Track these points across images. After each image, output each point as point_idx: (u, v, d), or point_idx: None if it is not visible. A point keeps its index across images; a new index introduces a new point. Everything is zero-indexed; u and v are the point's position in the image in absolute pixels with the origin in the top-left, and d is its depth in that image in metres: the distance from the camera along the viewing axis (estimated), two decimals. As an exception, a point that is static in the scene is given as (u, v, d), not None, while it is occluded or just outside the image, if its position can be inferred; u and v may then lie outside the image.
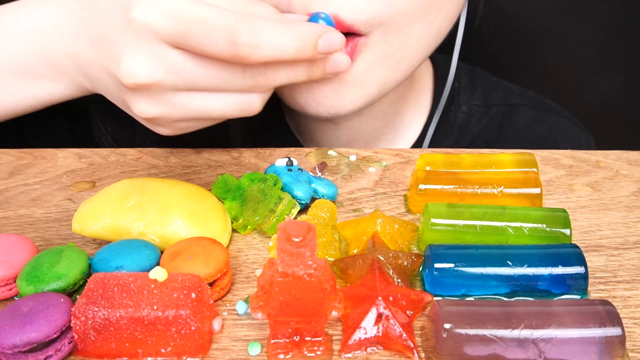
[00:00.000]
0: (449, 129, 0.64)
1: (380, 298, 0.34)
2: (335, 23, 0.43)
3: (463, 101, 0.65)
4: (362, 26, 0.45)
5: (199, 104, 0.38)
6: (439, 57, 0.65)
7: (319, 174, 0.49)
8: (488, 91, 0.66)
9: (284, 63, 0.37)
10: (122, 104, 0.41)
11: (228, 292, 0.37)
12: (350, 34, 0.45)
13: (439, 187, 0.43)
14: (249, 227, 0.42)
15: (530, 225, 0.39)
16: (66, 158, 0.51)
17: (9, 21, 0.46)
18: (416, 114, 0.64)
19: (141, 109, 0.38)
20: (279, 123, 0.66)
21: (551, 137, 0.65)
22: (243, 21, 0.34)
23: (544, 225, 0.39)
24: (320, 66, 0.39)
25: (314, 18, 0.40)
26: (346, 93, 0.48)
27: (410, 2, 0.45)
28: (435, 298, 0.35)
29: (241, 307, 0.36)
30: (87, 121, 0.59)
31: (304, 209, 0.44)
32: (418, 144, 0.64)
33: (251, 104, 0.39)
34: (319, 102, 0.48)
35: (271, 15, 0.40)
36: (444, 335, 0.31)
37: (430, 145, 0.63)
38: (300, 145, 0.65)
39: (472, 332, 0.31)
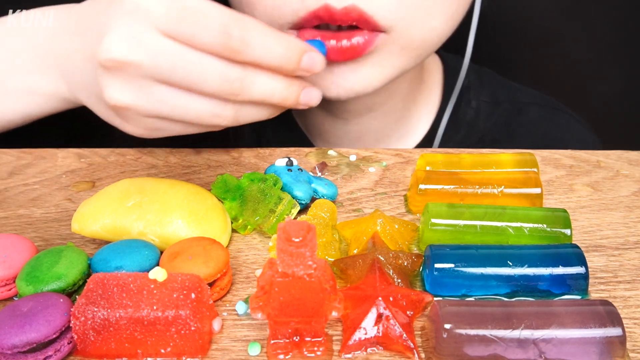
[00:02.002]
0: (458, 126, 0.64)
1: (380, 298, 0.34)
2: (364, 20, 0.45)
3: (473, 97, 0.65)
4: (381, 20, 0.46)
5: (173, 100, 0.37)
6: (448, 55, 0.66)
7: (319, 174, 0.49)
8: (496, 89, 0.67)
9: (264, 71, 0.38)
10: (96, 97, 0.40)
11: (228, 292, 0.37)
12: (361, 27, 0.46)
13: (439, 187, 0.43)
14: (248, 227, 0.42)
15: (531, 225, 0.39)
16: (66, 158, 0.51)
17: (10, 22, 0.47)
18: (425, 110, 0.64)
19: (113, 93, 0.37)
20: (286, 120, 0.65)
21: (559, 135, 0.66)
22: (237, 19, 0.36)
23: (545, 226, 0.39)
24: (296, 90, 0.40)
25: (310, 42, 0.42)
26: (364, 72, 0.49)
27: None
28: (435, 298, 0.35)
29: (241, 308, 0.36)
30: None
31: (304, 209, 0.44)
32: (427, 140, 0.64)
33: (223, 117, 0.38)
34: (338, 84, 0.49)
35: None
36: (444, 336, 0.31)
37: (441, 143, 0.63)
38: (309, 141, 0.65)
39: (472, 332, 0.31)
